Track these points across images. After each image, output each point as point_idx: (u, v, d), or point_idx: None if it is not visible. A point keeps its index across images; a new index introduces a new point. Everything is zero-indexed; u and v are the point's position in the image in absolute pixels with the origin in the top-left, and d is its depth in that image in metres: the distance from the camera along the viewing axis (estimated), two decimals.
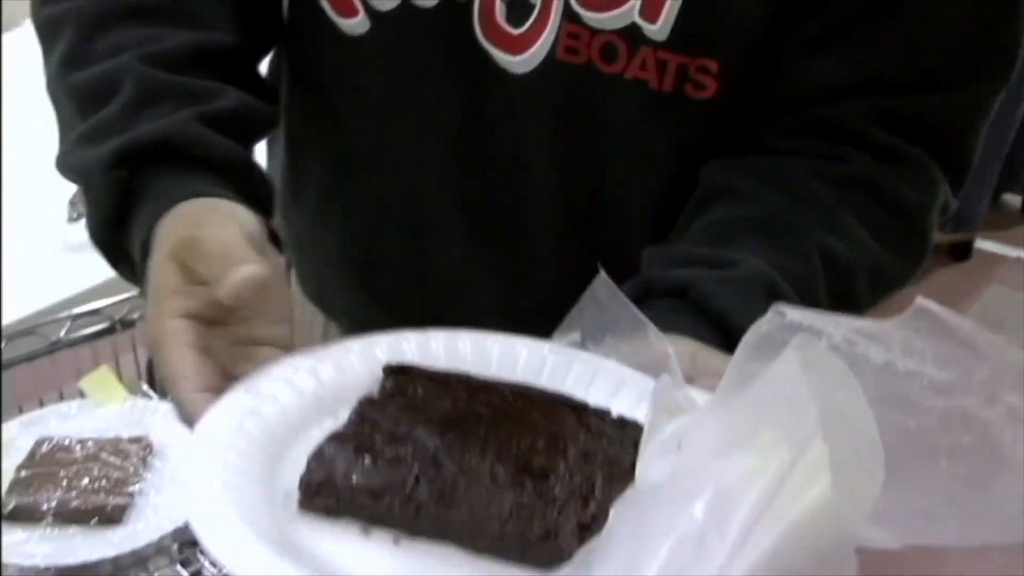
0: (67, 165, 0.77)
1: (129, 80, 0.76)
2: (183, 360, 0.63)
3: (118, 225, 0.74)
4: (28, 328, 1.07)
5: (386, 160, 0.92)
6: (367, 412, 0.65)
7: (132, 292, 1.09)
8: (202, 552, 0.96)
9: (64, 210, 1.49)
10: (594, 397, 0.68)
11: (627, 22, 0.81)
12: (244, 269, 0.61)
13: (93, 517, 0.91)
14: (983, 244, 3.43)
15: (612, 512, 0.56)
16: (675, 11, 0.80)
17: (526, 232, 0.86)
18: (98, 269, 1.35)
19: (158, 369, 0.66)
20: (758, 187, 0.83)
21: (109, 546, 0.89)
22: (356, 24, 0.86)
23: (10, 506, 0.91)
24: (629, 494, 0.58)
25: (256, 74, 0.89)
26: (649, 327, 0.69)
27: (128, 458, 0.97)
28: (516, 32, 0.83)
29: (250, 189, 0.74)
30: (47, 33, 0.83)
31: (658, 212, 0.87)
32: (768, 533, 0.50)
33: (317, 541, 0.57)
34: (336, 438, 0.63)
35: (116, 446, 0.99)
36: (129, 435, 1.01)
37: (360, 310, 0.98)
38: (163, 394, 1.12)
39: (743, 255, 0.78)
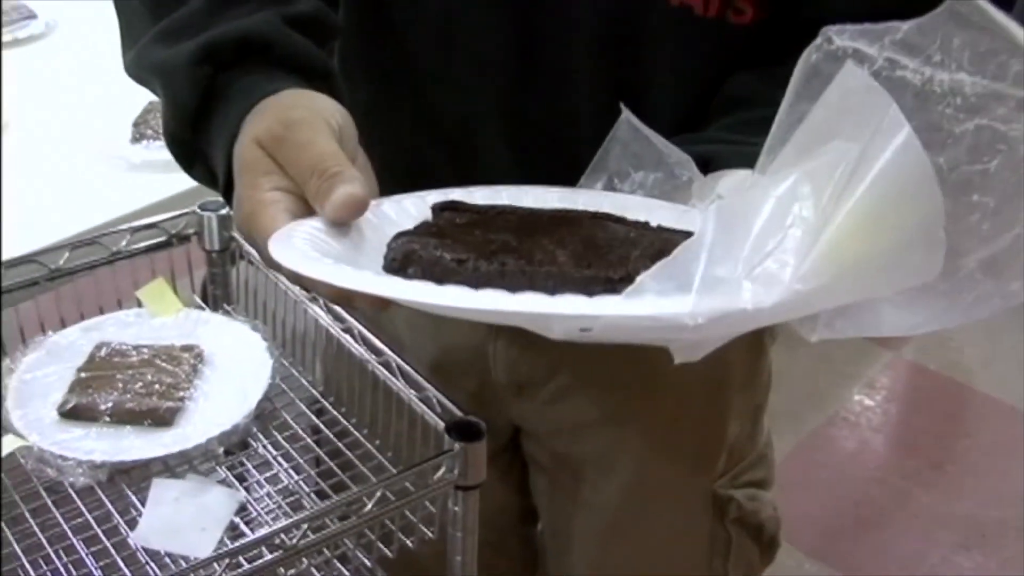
0: (143, 64, 0.76)
1: None
2: (284, 225, 0.62)
3: (199, 123, 0.73)
4: (91, 239, 1.08)
5: (437, 77, 0.92)
6: (430, 225, 0.66)
7: (188, 209, 1.10)
8: (244, 454, 0.98)
9: (128, 131, 1.50)
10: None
11: None
12: (343, 190, 0.61)
13: (146, 419, 0.93)
14: None
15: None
16: None
17: (570, 150, 0.86)
18: (158, 187, 1.38)
19: (254, 243, 0.65)
20: (775, 92, 0.84)
21: (160, 446, 0.91)
22: None
23: (70, 404, 0.93)
24: (714, 206, 0.60)
25: None
26: (673, 154, 0.70)
27: (180, 365, 0.99)
28: None
29: (331, 92, 0.73)
30: None
31: (692, 127, 0.88)
32: (857, 186, 0.51)
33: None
34: (408, 232, 0.63)
35: (169, 353, 1.00)
36: (182, 344, 1.02)
37: None
38: (215, 306, 1.14)
39: (761, 139, 0.79)
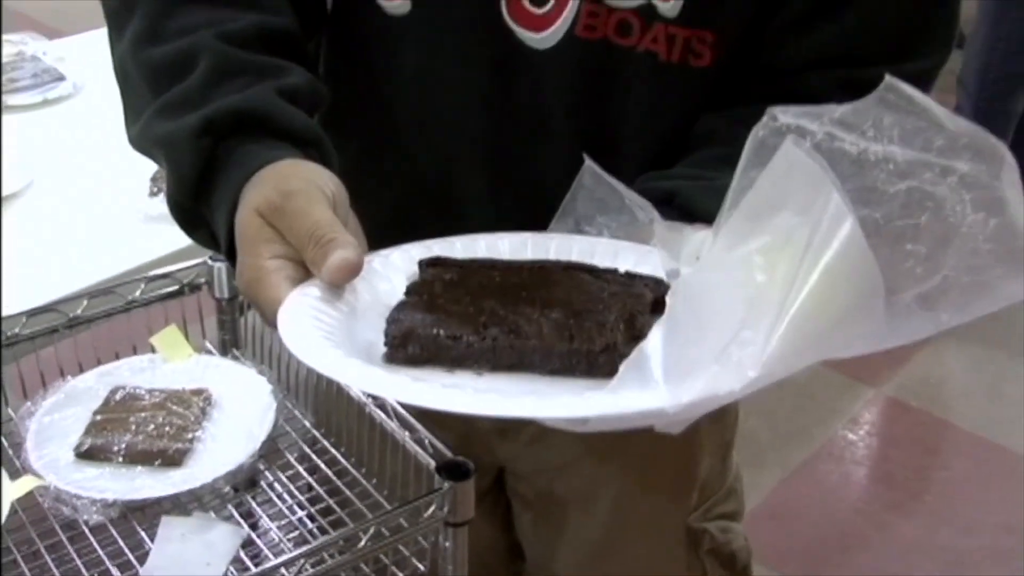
0: (147, 137, 0.78)
1: (205, 56, 0.77)
2: (286, 292, 0.65)
3: (201, 191, 0.75)
4: (108, 288, 1.10)
5: (420, 130, 0.94)
6: (419, 290, 0.68)
7: (200, 260, 1.12)
8: (250, 492, 0.99)
9: (146, 185, 1.52)
10: (598, 263, 0.73)
11: (643, 1, 0.84)
12: (338, 255, 0.63)
13: (157, 459, 0.94)
14: None
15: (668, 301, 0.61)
16: None
17: (546, 194, 0.88)
18: (172, 238, 1.41)
19: (258, 307, 0.68)
20: (737, 130, 0.88)
21: (169, 485, 0.92)
22: (398, 5, 0.89)
23: (86, 446, 0.94)
24: (673, 288, 0.64)
25: (309, 54, 0.91)
26: (633, 199, 0.74)
27: (190, 408, 1.00)
28: (538, 12, 0.86)
29: (323, 159, 0.76)
30: (118, 15, 0.84)
31: (662, 165, 0.91)
32: (811, 273, 0.55)
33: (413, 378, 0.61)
34: (404, 305, 0.66)
35: (180, 397, 1.01)
36: (192, 387, 1.04)
37: None
38: (224, 351, 1.15)
39: (720, 176, 0.81)
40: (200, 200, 0.75)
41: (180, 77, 0.77)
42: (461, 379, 0.62)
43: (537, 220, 0.81)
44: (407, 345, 0.63)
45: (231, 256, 0.72)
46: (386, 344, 0.63)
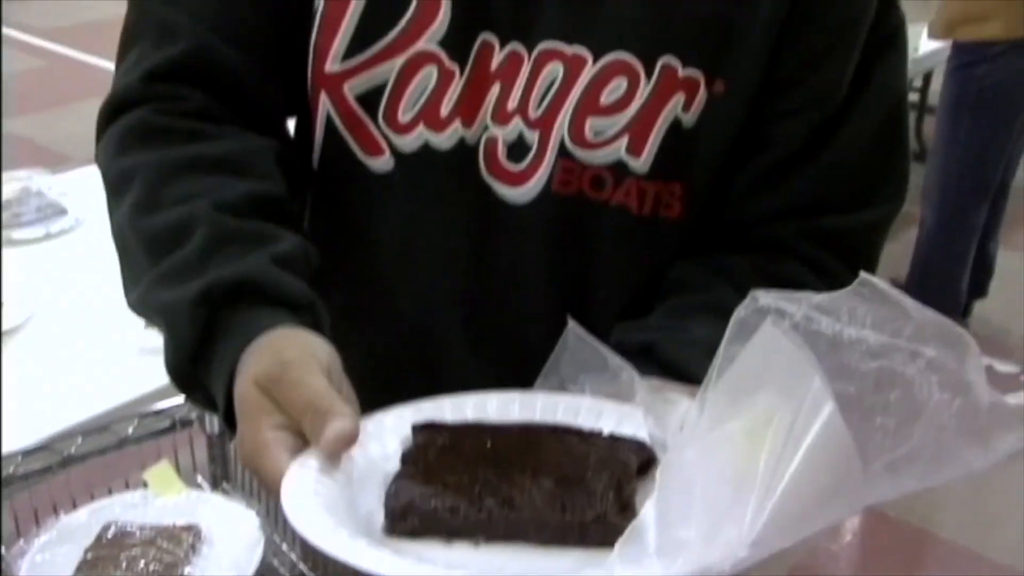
0: (146, 304, 0.79)
1: (201, 225, 0.78)
2: (287, 463, 0.64)
3: (199, 359, 0.75)
4: (102, 426, 1.11)
5: (402, 282, 0.95)
6: (415, 458, 0.69)
7: None
8: None
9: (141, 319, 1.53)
10: (582, 424, 0.74)
11: (614, 158, 0.87)
12: (334, 426, 0.64)
13: None
14: None
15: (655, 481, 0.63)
16: (656, 148, 0.86)
17: (526, 344, 0.88)
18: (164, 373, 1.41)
19: (259, 477, 0.67)
20: (709, 279, 0.90)
21: None
22: (382, 163, 0.90)
23: None
24: (662, 464, 0.65)
25: (299, 220, 0.93)
26: (614, 360, 0.75)
27: (180, 544, 1.00)
28: (516, 169, 0.88)
29: (316, 323, 0.77)
30: (117, 185, 0.85)
31: (635, 312, 0.92)
32: (793, 456, 0.57)
33: (412, 551, 0.62)
34: (401, 476, 0.67)
35: (170, 533, 1.02)
36: (182, 523, 1.04)
37: None
38: (214, 483, 1.16)
39: (695, 326, 0.84)
40: (198, 367, 0.76)
41: (177, 246, 0.78)
42: (461, 553, 0.63)
43: (518, 366, 0.82)
44: (406, 518, 0.64)
45: (228, 421, 0.73)
46: (386, 517, 0.64)
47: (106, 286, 1.67)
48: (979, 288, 3.47)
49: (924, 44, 3.52)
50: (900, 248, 3.33)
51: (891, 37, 0.90)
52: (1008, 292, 3.71)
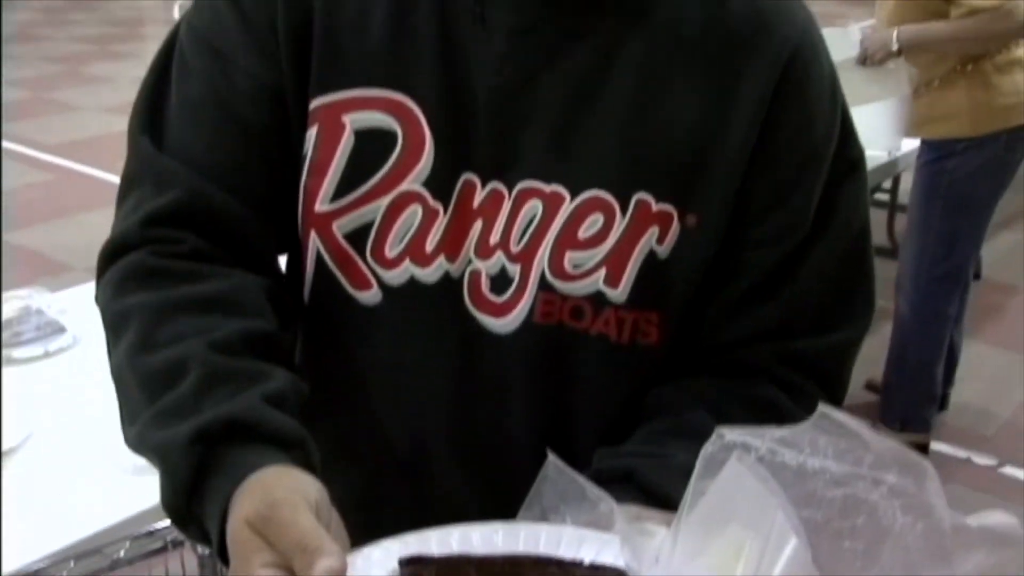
0: (143, 444, 0.80)
1: (195, 365, 0.79)
2: None
3: (194, 496, 0.76)
4: (94, 549, 1.11)
5: (390, 410, 0.97)
6: None
7: None
8: None
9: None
10: (564, 554, 0.75)
11: (593, 290, 0.89)
12: (323, 564, 0.64)
13: None
14: (938, 447, 3.37)
15: None
16: (632, 279, 0.89)
17: (514, 471, 0.89)
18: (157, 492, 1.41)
19: None
20: (687, 404, 0.92)
21: None
22: (370, 296, 0.92)
23: None
24: None
25: (290, 354, 0.95)
26: (593, 490, 0.76)
27: None
28: (499, 300, 0.90)
29: (306, 459, 0.78)
30: (116, 325, 0.87)
31: (616, 434, 0.93)
32: None
33: None
34: None
35: None
36: None
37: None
38: None
39: (673, 452, 0.85)
40: (192, 504, 0.76)
41: (172, 385, 0.79)
42: None
43: (505, 489, 0.83)
44: None
45: (222, 555, 0.73)
46: None
47: (100, 405, 1.68)
48: (947, 378, 3.48)
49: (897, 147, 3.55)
50: (876, 343, 3.34)
51: (852, 169, 0.94)
52: (978, 382, 3.73)
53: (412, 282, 0.90)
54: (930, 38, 2.98)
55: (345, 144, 0.88)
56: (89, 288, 1.98)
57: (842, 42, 3.05)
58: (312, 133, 0.88)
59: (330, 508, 0.73)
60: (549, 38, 0.86)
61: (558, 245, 0.88)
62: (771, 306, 0.93)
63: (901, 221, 3.89)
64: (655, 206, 0.87)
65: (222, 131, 0.89)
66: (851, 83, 3.08)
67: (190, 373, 0.79)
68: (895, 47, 3.00)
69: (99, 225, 4.17)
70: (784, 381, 0.93)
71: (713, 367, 0.94)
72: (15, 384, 1.76)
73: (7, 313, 2.01)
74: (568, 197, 0.87)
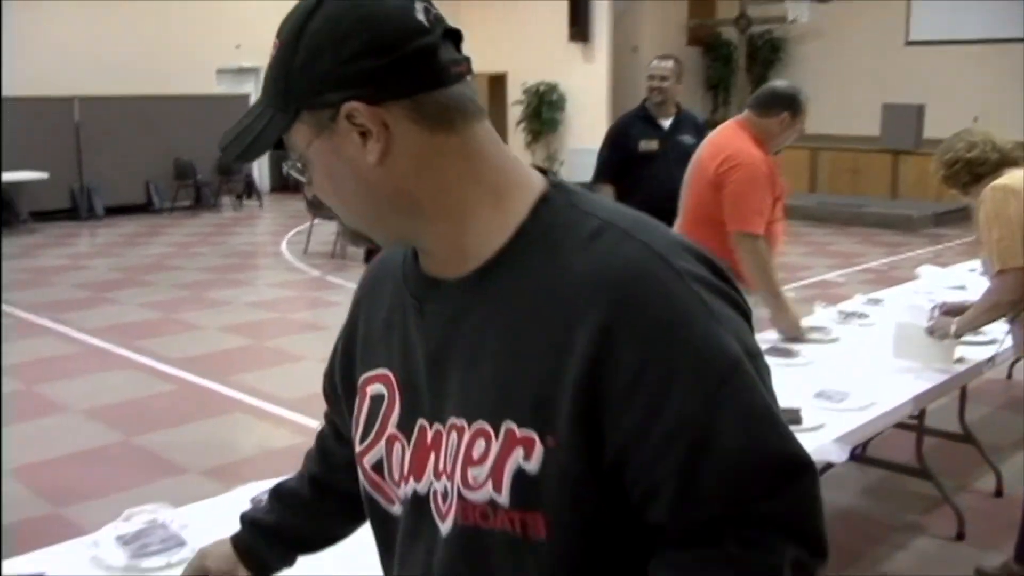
0: None
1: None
2: None
3: None
4: None
5: None
6: None
7: None
8: None
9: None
10: None
11: (488, 497, 1.01)
12: None
13: None
14: None
15: None
16: (510, 488, 1.00)
17: None
18: None
19: None
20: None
21: None
22: (395, 510, 1.14)
23: None
24: None
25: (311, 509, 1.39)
26: None
27: None
28: (444, 508, 1.06)
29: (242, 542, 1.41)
30: None
31: None
32: None
33: None
34: None
35: None
36: None
37: None
38: None
39: None
40: None
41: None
42: None
43: None
44: None
45: None
46: None
47: None
48: None
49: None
50: None
51: (722, 382, 0.93)
52: None
53: (414, 494, 1.09)
54: (979, 322, 3.27)
55: (365, 407, 1.14)
56: (207, 505, 1.97)
57: (920, 313, 3.47)
58: (356, 401, 1.16)
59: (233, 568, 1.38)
60: (448, 317, 1.04)
61: (464, 464, 1.02)
62: (703, 497, 0.93)
63: (930, 442, 3.81)
64: (519, 432, 0.98)
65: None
66: (913, 342, 3.43)
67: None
68: (952, 333, 3.28)
69: (213, 431, 4.25)
70: (748, 540, 0.93)
71: (688, 542, 0.95)
72: None
73: (136, 525, 1.99)
74: (466, 426, 1.02)
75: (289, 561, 1.41)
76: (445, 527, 1.04)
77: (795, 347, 3.52)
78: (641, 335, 0.93)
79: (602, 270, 0.95)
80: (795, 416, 2.71)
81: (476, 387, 1.01)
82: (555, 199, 1.01)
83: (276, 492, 1.43)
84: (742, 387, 0.94)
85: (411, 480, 1.08)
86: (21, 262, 10.04)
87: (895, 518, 4.04)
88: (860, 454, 4.10)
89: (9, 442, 4.94)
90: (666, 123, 5.08)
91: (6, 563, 1.85)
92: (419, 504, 1.08)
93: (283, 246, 10.74)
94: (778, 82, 3.95)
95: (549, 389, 0.95)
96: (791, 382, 3.02)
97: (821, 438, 2.68)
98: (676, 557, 0.95)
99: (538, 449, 0.96)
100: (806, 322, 3.82)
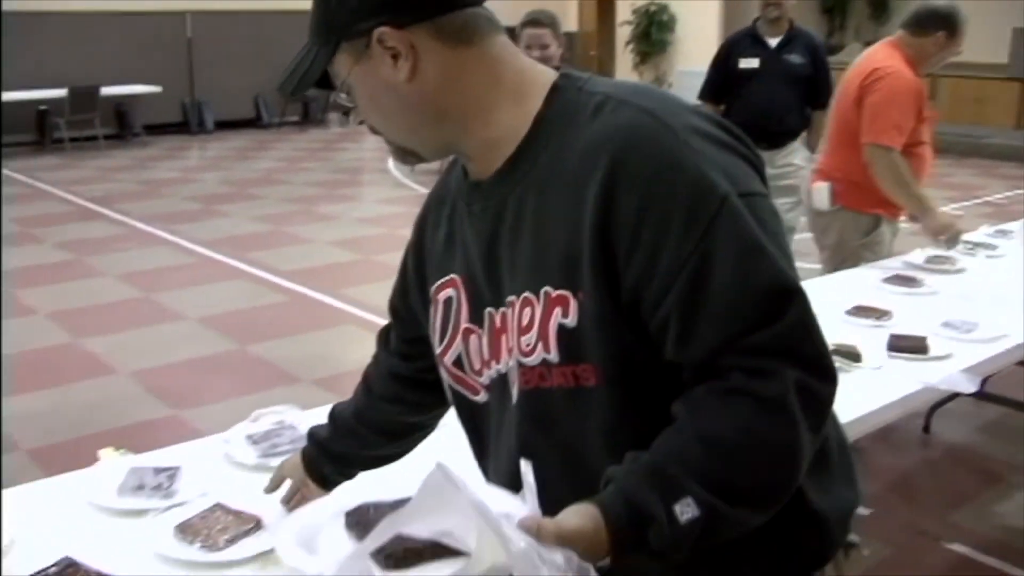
0: None
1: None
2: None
3: None
4: None
5: (493, 452, 1.32)
6: None
7: None
8: None
9: None
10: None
11: (541, 359, 1.15)
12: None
13: None
14: None
15: None
16: (557, 345, 1.14)
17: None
18: None
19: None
20: (679, 410, 1.08)
21: None
22: (480, 398, 1.28)
23: None
24: None
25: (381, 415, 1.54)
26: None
27: None
28: (513, 379, 1.22)
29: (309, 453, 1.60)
30: None
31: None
32: None
33: None
34: None
35: None
36: None
37: None
38: None
39: (643, 454, 1.05)
40: None
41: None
42: None
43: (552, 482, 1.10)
44: None
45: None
46: None
47: None
48: None
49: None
50: None
51: (719, 209, 1.04)
52: None
53: (498, 375, 1.22)
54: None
55: (440, 311, 1.28)
56: (327, 411, 1.99)
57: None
58: (431, 310, 1.30)
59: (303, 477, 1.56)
60: (492, 211, 1.18)
61: (518, 335, 1.16)
62: (703, 329, 1.04)
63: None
64: (554, 293, 1.11)
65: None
66: None
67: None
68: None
69: (324, 342, 4.32)
70: (751, 369, 1.03)
71: (700, 377, 1.07)
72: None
73: (264, 426, 2.03)
74: (516, 300, 1.16)
75: (348, 475, 1.57)
76: (515, 395, 1.19)
77: (919, 275, 3.38)
78: (637, 182, 1.05)
79: (603, 134, 1.08)
80: (920, 344, 2.61)
81: (520, 264, 1.15)
82: (565, 87, 1.15)
83: (331, 413, 1.58)
84: (730, 221, 1.04)
85: (492, 364, 1.22)
86: (135, 174, 10.34)
87: (1013, 458, 3.90)
88: (978, 389, 3.94)
89: (128, 346, 5.14)
90: (773, 41, 4.85)
91: (144, 456, 1.92)
92: (502, 384, 1.21)
93: (390, 163, 10.81)
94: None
95: (573, 248, 1.09)
96: (915, 311, 2.90)
97: (948, 368, 2.57)
98: (690, 393, 1.06)
99: (572, 305, 1.10)
100: (962, 237, 3.64)
